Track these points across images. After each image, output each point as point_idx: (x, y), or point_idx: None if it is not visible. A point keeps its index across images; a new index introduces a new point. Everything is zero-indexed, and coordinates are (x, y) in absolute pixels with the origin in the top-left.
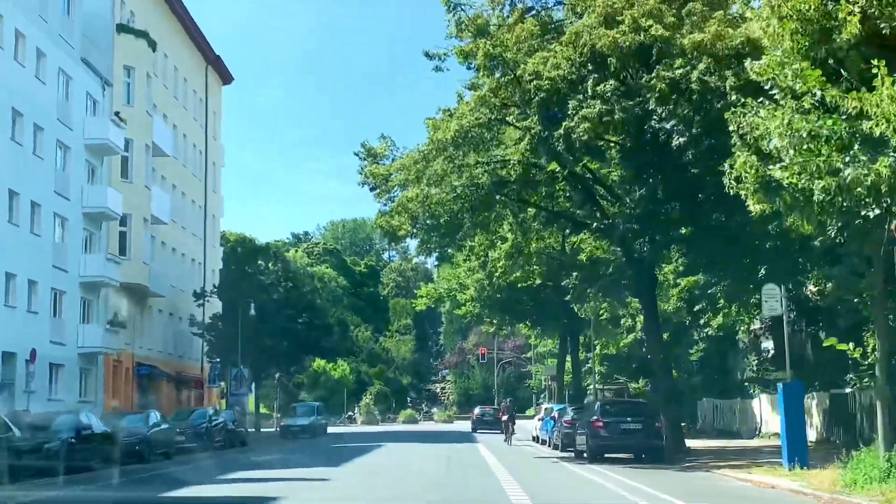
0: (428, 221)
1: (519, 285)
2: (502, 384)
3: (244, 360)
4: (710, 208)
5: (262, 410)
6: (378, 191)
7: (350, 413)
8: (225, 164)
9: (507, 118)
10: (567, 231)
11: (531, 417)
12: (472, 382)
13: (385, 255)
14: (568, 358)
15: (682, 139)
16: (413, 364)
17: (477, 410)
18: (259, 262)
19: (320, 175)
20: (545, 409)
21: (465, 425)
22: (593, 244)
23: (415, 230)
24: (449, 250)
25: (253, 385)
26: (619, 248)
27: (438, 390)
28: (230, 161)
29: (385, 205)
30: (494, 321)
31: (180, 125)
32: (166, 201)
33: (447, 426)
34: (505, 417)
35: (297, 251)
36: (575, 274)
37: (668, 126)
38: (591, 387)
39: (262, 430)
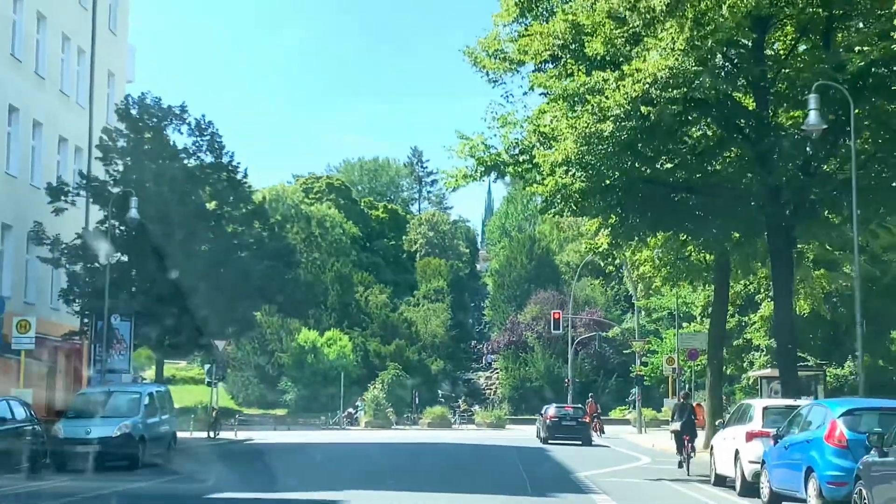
0: None
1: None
2: (578, 372)
3: (119, 307)
4: None
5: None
6: None
7: (351, 409)
8: None
9: None
10: None
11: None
12: (530, 370)
13: (414, 206)
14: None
15: None
16: (447, 345)
17: (552, 410)
18: (166, 132)
19: (334, 125)
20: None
21: (524, 432)
22: None
23: None
24: None
25: (159, 360)
26: None
27: (482, 382)
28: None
29: None
30: (608, 222)
31: None
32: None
33: (497, 433)
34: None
35: (289, 186)
36: None
37: None
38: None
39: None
